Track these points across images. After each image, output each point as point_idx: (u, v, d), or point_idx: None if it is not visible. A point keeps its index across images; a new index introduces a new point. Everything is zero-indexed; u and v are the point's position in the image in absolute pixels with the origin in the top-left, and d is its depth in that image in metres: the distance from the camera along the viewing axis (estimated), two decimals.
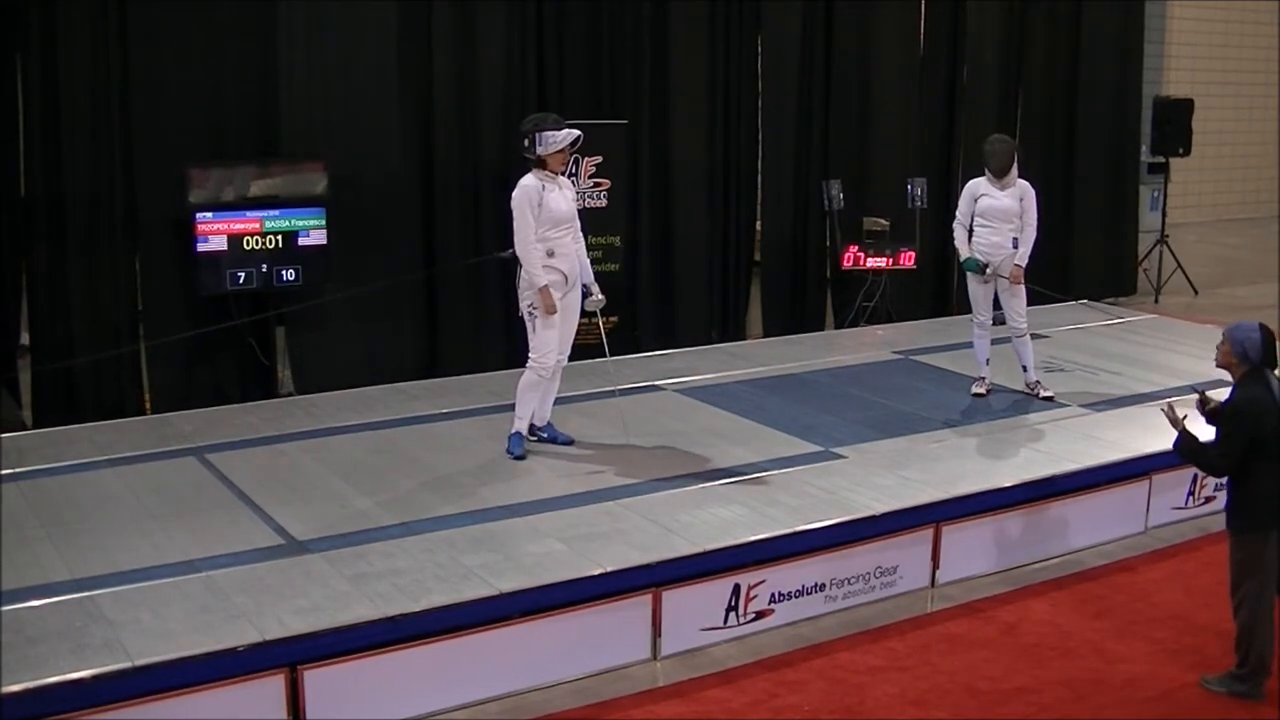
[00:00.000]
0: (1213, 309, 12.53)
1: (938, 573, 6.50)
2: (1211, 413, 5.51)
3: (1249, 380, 5.27)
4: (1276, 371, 5.34)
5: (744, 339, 10.81)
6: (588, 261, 7.28)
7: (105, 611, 5.16)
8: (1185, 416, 5.41)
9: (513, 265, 7.26)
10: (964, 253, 8.37)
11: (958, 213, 8.43)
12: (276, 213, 8.63)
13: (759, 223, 11.38)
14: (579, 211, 7.22)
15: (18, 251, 8.30)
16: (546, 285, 6.92)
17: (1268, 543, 5.25)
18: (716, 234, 10.78)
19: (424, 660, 5.21)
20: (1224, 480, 5.51)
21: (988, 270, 8.27)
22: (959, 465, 7.13)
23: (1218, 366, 5.44)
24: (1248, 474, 5.22)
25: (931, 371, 9.24)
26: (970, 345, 8.69)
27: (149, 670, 4.75)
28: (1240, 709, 5.32)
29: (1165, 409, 5.48)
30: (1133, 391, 8.55)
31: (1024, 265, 8.24)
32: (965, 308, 9.10)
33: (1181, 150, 13.54)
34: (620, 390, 7.90)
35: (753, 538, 6.04)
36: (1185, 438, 5.38)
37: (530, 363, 7.12)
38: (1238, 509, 5.30)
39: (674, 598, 5.72)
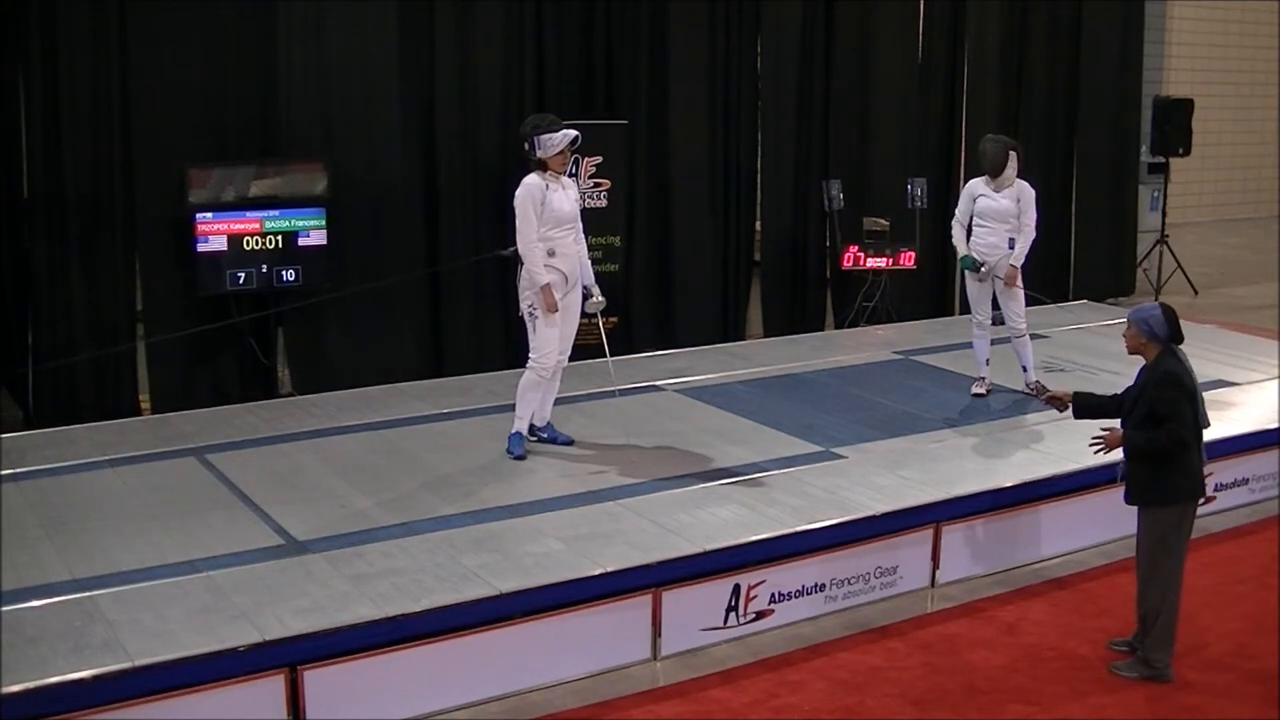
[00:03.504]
0: (1213, 309, 12.54)
1: (938, 573, 6.51)
2: (1074, 403, 5.72)
3: (1164, 356, 5.42)
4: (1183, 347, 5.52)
5: (744, 339, 10.80)
6: (588, 263, 7.28)
7: (105, 611, 5.16)
8: (1112, 431, 5.48)
9: (513, 264, 7.27)
10: (961, 250, 8.38)
11: (957, 211, 8.46)
12: (276, 213, 8.63)
13: (759, 223, 11.38)
14: (580, 211, 7.22)
15: (19, 251, 8.30)
16: (548, 284, 6.92)
17: (1184, 517, 5.44)
18: (716, 234, 10.78)
19: (424, 660, 5.21)
20: (1123, 458, 5.58)
21: (983, 269, 8.27)
22: (959, 465, 7.13)
23: (1129, 352, 5.59)
24: (1185, 442, 5.35)
25: (931, 371, 9.24)
26: (970, 345, 8.70)
27: (149, 670, 4.75)
28: (1240, 709, 5.32)
29: (1100, 444, 5.52)
30: None
31: (1019, 265, 8.24)
32: (965, 308, 9.11)
33: (1181, 150, 13.55)
34: (620, 390, 7.90)
35: (753, 538, 6.05)
36: (1129, 439, 5.43)
37: (530, 363, 7.12)
38: (1156, 483, 5.42)
39: (674, 598, 5.72)
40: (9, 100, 8.15)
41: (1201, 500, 5.63)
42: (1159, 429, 5.35)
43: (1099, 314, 11.31)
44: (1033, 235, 8.24)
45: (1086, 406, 5.81)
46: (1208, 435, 5.55)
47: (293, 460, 7.15)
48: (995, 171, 8.18)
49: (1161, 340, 5.43)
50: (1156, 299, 13.04)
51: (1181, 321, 5.49)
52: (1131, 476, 5.54)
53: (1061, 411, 5.92)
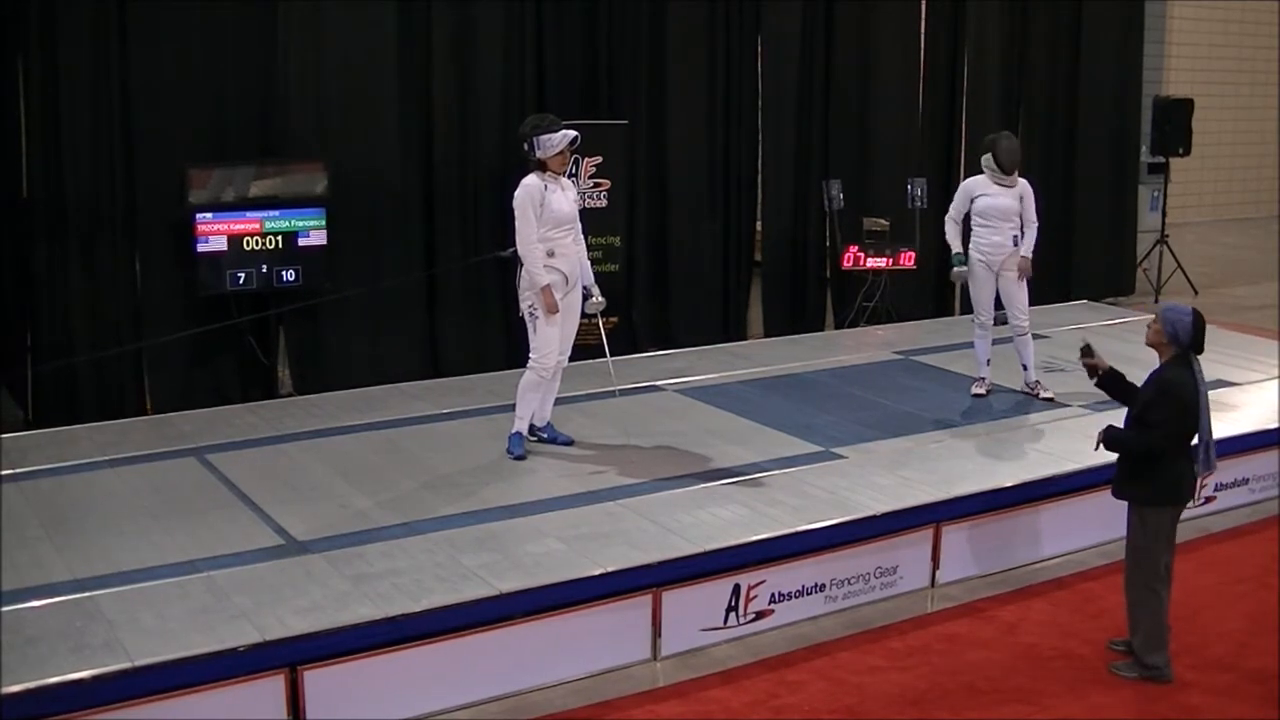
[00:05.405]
0: (1213, 309, 12.42)
1: (938, 573, 6.51)
2: (1102, 375, 5.75)
3: (1175, 362, 5.43)
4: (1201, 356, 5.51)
5: (744, 339, 10.80)
6: (588, 263, 7.28)
7: (105, 611, 5.16)
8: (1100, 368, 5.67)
9: (513, 265, 7.27)
10: (955, 246, 8.38)
11: (951, 208, 8.44)
12: (276, 213, 8.63)
13: (759, 223, 11.38)
14: (580, 212, 7.23)
15: (19, 251, 8.30)
16: (548, 285, 6.93)
17: (1174, 518, 5.51)
18: (717, 234, 10.78)
19: (424, 660, 5.21)
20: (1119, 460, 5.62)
21: (955, 271, 8.38)
22: (959, 465, 7.13)
23: (1147, 344, 5.60)
24: (1163, 450, 5.40)
25: (931, 371, 9.24)
26: (970, 345, 8.70)
27: (149, 670, 4.75)
28: (1239, 709, 5.32)
29: (1089, 359, 5.67)
30: None
31: (1029, 256, 8.29)
32: (966, 308, 9.11)
33: (1181, 150, 13.54)
34: (620, 390, 7.89)
35: (753, 538, 6.04)
36: (1110, 432, 5.48)
37: (530, 363, 7.12)
38: (1141, 481, 5.46)
39: (674, 598, 5.72)
40: (9, 100, 8.14)
41: (1199, 502, 5.64)
42: (1138, 431, 5.42)
43: (1099, 314, 11.32)
44: (1036, 229, 8.32)
45: (1112, 381, 5.80)
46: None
47: (293, 460, 7.15)
48: (1013, 168, 8.20)
49: (1182, 345, 5.41)
50: (1156, 299, 13.05)
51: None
52: (1119, 470, 5.58)
53: (1091, 377, 5.88)
